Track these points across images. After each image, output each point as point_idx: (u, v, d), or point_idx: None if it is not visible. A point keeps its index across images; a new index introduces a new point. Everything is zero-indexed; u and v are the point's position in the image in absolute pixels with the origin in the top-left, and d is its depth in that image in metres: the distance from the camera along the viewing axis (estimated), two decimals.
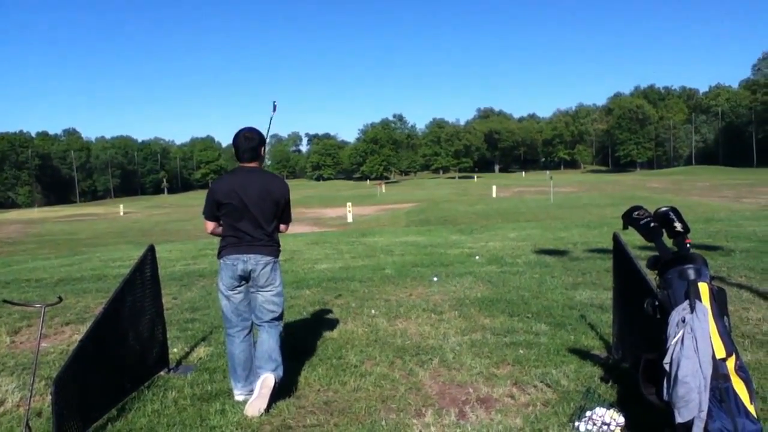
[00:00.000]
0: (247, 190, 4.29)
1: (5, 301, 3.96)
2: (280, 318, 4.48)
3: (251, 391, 4.27)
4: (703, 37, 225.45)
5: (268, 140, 4.63)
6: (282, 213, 4.44)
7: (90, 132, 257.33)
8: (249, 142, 4.37)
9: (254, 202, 4.28)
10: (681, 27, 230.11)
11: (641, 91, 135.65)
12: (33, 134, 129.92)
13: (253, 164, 4.41)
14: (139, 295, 4.70)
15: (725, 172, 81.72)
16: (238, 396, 4.37)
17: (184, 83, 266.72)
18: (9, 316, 7.43)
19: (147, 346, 4.80)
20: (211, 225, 4.45)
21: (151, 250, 4.94)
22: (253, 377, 4.35)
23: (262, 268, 4.32)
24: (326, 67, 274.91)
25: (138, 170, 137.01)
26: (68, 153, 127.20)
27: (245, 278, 4.35)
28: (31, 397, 3.58)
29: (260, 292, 4.38)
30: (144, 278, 4.81)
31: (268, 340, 4.36)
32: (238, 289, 4.39)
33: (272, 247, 4.38)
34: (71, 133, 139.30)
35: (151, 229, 35.55)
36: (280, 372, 4.31)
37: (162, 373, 4.99)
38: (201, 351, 5.69)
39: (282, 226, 4.50)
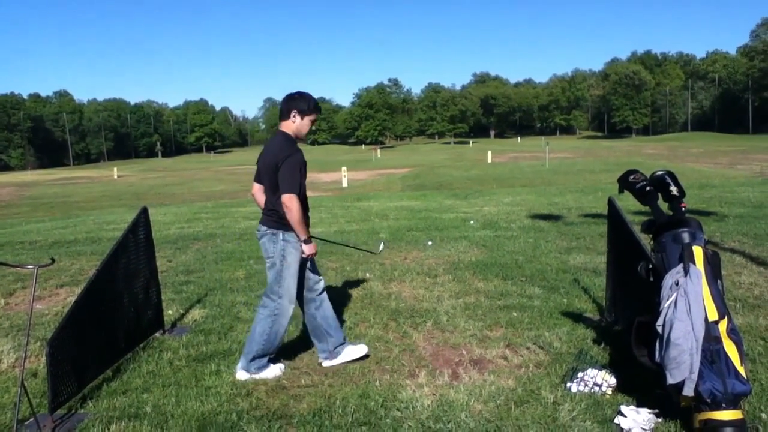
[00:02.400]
0: (261, 155, 4.17)
1: None
2: (271, 300, 4.15)
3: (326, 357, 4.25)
4: (701, 2, 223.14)
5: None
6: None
7: (82, 94, 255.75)
8: (282, 102, 4.18)
9: (262, 168, 4.14)
10: None
11: (638, 57, 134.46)
12: (25, 96, 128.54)
13: (280, 126, 4.16)
14: (132, 257, 4.68)
15: (720, 139, 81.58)
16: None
17: (177, 45, 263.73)
18: (3, 278, 7.43)
19: (142, 307, 4.81)
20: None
21: (145, 212, 4.91)
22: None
23: (260, 239, 4.21)
24: (321, 29, 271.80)
25: (131, 133, 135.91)
26: (60, 115, 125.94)
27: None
28: (25, 358, 3.59)
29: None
30: (137, 240, 4.79)
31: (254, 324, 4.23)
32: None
33: (271, 218, 4.09)
34: (63, 95, 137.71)
35: (146, 193, 35.41)
36: (246, 368, 4.07)
37: (157, 334, 5.01)
38: (196, 313, 5.71)
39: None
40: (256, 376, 4.05)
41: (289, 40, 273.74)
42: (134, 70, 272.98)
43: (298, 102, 4.10)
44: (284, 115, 4.12)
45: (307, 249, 4.09)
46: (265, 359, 4.14)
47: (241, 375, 4.07)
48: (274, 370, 4.14)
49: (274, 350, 4.18)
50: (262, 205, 4.22)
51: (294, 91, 4.16)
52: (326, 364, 4.26)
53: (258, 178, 4.24)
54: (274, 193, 4.03)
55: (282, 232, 4.05)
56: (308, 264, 4.22)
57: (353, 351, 4.30)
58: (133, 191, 37.95)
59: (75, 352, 3.74)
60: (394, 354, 4.42)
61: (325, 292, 4.35)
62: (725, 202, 12.30)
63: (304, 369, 4.22)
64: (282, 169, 3.94)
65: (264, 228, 4.13)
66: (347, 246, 5.70)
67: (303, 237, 4.04)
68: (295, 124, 4.11)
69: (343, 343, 4.30)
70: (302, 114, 4.10)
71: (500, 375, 3.95)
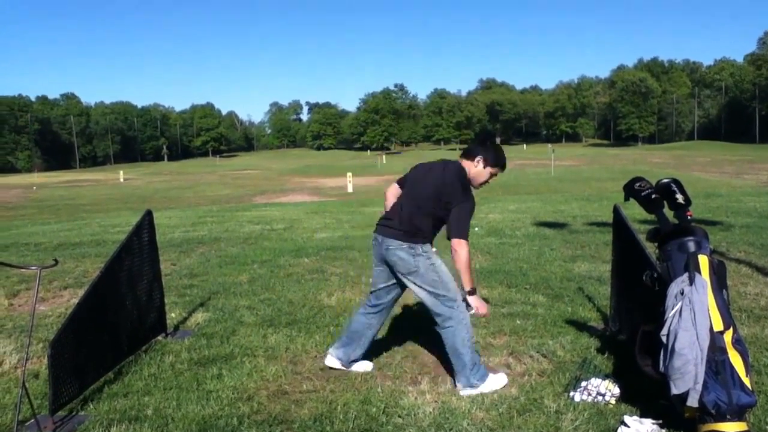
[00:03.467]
0: (426, 172, 4.08)
1: (1, 263, 3.94)
2: (448, 309, 3.90)
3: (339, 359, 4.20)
4: (708, 10, 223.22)
5: None
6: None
7: (89, 97, 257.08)
8: (477, 141, 4.17)
9: (422, 182, 4.01)
10: None
11: (644, 64, 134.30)
12: (32, 98, 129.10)
13: (461, 160, 4.02)
14: (136, 259, 4.68)
15: (727, 148, 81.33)
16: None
17: (184, 49, 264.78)
18: (7, 279, 7.44)
19: (144, 310, 4.80)
20: None
21: (149, 215, 4.91)
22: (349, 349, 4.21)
23: (389, 252, 3.98)
24: (328, 34, 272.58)
25: (138, 136, 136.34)
26: (68, 118, 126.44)
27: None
28: (27, 359, 3.58)
29: None
30: (141, 243, 4.79)
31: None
32: None
33: (408, 233, 3.91)
34: (70, 98, 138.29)
35: (152, 196, 35.51)
36: (471, 384, 3.84)
37: (159, 337, 5.00)
38: (199, 316, 5.70)
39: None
40: (484, 388, 3.79)
41: (296, 45, 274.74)
42: (141, 74, 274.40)
43: (489, 152, 3.96)
44: (470, 155, 3.96)
45: (475, 301, 3.87)
46: (482, 366, 3.91)
47: (470, 392, 3.78)
48: (499, 378, 3.90)
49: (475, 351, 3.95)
50: (389, 207, 4.08)
51: (490, 135, 4.06)
52: (333, 365, 4.24)
53: (403, 183, 4.12)
54: (425, 214, 3.86)
55: (420, 245, 3.87)
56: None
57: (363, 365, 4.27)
58: (139, 194, 38.06)
59: (77, 354, 3.74)
60: (397, 360, 4.40)
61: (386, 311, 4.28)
62: (731, 212, 12.25)
63: (306, 374, 4.20)
64: (459, 209, 3.80)
65: (397, 242, 3.87)
66: None
67: (469, 287, 3.84)
68: (476, 170, 3.95)
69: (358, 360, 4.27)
70: (486, 164, 3.95)
71: None
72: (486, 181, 4.02)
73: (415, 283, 3.89)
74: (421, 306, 5.73)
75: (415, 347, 4.67)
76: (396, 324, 5.24)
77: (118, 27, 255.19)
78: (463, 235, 3.76)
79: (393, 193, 4.18)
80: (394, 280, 4.05)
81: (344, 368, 4.22)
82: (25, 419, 3.46)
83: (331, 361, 4.21)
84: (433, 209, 3.86)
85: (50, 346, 3.46)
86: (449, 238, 3.78)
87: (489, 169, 3.96)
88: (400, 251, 3.85)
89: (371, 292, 4.27)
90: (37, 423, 3.38)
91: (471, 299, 3.85)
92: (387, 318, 4.36)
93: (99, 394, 3.89)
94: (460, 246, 3.74)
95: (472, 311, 3.89)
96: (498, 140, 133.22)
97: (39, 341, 4.92)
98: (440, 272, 3.87)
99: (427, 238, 3.92)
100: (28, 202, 35.47)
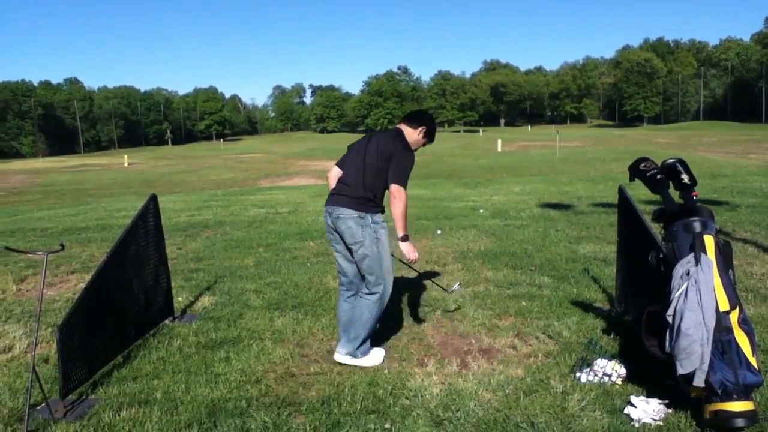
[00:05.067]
0: (367, 143, 4.26)
1: (7, 248, 3.96)
2: (376, 284, 4.08)
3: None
4: None
5: None
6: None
7: (92, 81, 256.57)
8: (420, 113, 4.44)
9: (365, 153, 4.17)
10: None
11: (650, 44, 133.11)
12: (35, 83, 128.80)
13: (401, 126, 4.28)
14: (142, 244, 4.70)
15: (733, 128, 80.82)
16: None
17: (186, 32, 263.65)
18: (15, 265, 7.48)
19: (151, 294, 4.82)
20: None
21: (154, 199, 4.92)
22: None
23: (340, 221, 4.11)
24: (331, 16, 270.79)
25: (141, 121, 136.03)
26: (71, 103, 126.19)
27: None
28: (36, 344, 3.61)
29: None
30: (147, 227, 4.80)
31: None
32: None
33: (358, 201, 4.06)
34: (73, 83, 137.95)
35: (156, 180, 35.53)
36: (354, 353, 4.05)
37: (167, 321, 5.03)
38: (206, 300, 5.73)
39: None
40: (364, 361, 4.02)
41: (299, 27, 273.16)
42: (144, 58, 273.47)
43: (432, 125, 4.31)
44: (413, 123, 4.25)
45: (405, 247, 4.05)
46: (369, 343, 4.11)
47: (345, 359, 4.04)
48: (378, 355, 4.11)
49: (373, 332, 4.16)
50: (333, 187, 4.21)
51: (431, 112, 4.29)
52: (345, 361, 4.17)
53: (342, 163, 4.26)
54: (375, 179, 4.01)
55: (369, 215, 4.01)
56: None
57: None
58: (144, 179, 38.09)
59: (85, 338, 3.77)
60: (403, 342, 4.42)
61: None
62: (737, 192, 12.21)
63: (313, 357, 4.23)
64: (397, 159, 4.00)
65: (347, 210, 3.99)
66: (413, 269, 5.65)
67: (402, 233, 4.01)
68: (416, 137, 4.24)
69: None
70: (424, 135, 4.28)
71: (509, 364, 3.94)
72: (418, 147, 4.31)
73: (357, 252, 4.04)
74: (425, 289, 5.76)
75: (420, 330, 4.69)
76: (401, 307, 5.25)
77: (121, 11, 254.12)
78: (403, 182, 3.98)
79: (335, 175, 4.30)
80: None
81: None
82: (36, 403, 3.50)
83: (343, 358, 4.11)
84: (381, 166, 4.02)
85: (59, 331, 3.48)
86: (388, 184, 3.98)
87: (424, 140, 4.31)
88: (350, 220, 3.99)
89: (341, 275, 4.33)
90: (48, 406, 3.42)
91: (403, 245, 4.05)
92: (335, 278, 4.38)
93: (108, 377, 3.92)
94: (399, 192, 3.95)
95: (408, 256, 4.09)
96: (502, 122, 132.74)
97: (47, 326, 4.96)
98: (381, 248, 4.03)
99: (379, 205, 4.08)
100: (33, 187, 35.55)
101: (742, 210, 9.71)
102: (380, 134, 4.28)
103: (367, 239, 3.98)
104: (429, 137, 4.32)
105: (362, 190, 4.01)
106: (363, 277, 4.11)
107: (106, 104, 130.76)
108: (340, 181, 4.19)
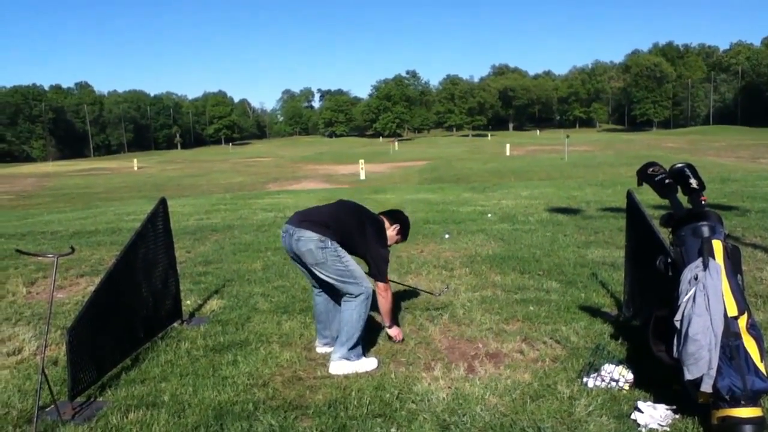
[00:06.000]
0: (347, 207, 4.47)
1: (18, 251, 4.00)
2: (356, 289, 4.16)
3: (327, 344, 4.41)
4: None
5: None
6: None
7: (102, 86, 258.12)
8: (400, 215, 4.65)
9: (346, 210, 4.40)
10: None
11: (659, 49, 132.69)
12: (46, 87, 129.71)
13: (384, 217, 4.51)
14: (151, 247, 4.72)
15: (743, 132, 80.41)
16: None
17: (196, 37, 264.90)
18: (25, 268, 7.53)
19: (160, 297, 4.85)
20: None
21: (163, 203, 4.95)
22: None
23: (301, 242, 4.17)
24: (340, 21, 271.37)
25: (151, 125, 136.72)
26: (81, 107, 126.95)
27: None
28: (46, 346, 3.64)
29: None
30: (156, 231, 4.82)
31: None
32: None
33: (322, 227, 4.15)
34: (83, 87, 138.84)
35: (165, 184, 35.70)
36: (347, 356, 4.09)
37: (175, 324, 5.06)
38: (214, 303, 5.75)
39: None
40: (356, 366, 4.03)
41: (308, 32, 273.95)
42: (154, 63, 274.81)
43: (406, 227, 4.61)
44: (390, 219, 4.52)
45: (393, 332, 4.47)
46: (361, 347, 4.16)
47: (341, 365, 4.03)
48: (372, 362, 4.11)
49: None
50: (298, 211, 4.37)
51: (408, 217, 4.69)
52: (325, 350, 4.36)
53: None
54: (351, 229, 4.19)
55: (329, 239, 4.05)
56: None
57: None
58: (153, 182, 38.28)
59: (94, 340, 3.79)
60: (410, 347, 4.42)
61: None
62: (747, 197, 12.14)
63: (320, 360, 4.23)
64: (378, 253, 4.22)
65: (309, 233, 4.04)
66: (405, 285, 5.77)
67: (389, 324, 4.45)
68: (390, 233, 4.48)
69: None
70: (398, 233, 4.54)
71: (516, 369, 3.94)
72: (391, 244, 4.51)
73: (322, 273, 4.11)
74: (432, 295, 5.76)
75: (427, 334, 4.69)
76: (407, 311, 5.25)
77: (131, 16, 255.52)
78: (386, 279, 4.23)
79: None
80: None
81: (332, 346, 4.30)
82: (45, 405, 3.52)
83: (337, 364, 4.07)
84: (361, 229, 4.23)
85: (68, 333, 3.51)
86: (374, 278, 4.21)
87: (398, 237, 4.56)
88: (310, 243, 4.03)
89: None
90: (56, 408, 3.44)
91: (390, 331, 4.47)
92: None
93: (117, 380, 3.94)
94: (386, 291, 4.24)
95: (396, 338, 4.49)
96: (510, 126, 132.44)
97: (57, 328, 4.99)
98: (345, 262, 4.10)
99: (337, 238, 4.12)
100: (43, 190, 35.77)
101: (752, 215, 9.66)
102: (368, 212, 4.46)
103: (328, 260, 4.05)
104: (403, 236, 4.59)
105: (334, 224, 4.14)
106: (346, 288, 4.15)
107: (116, 108, 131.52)
108: (308, 209, 4.39)
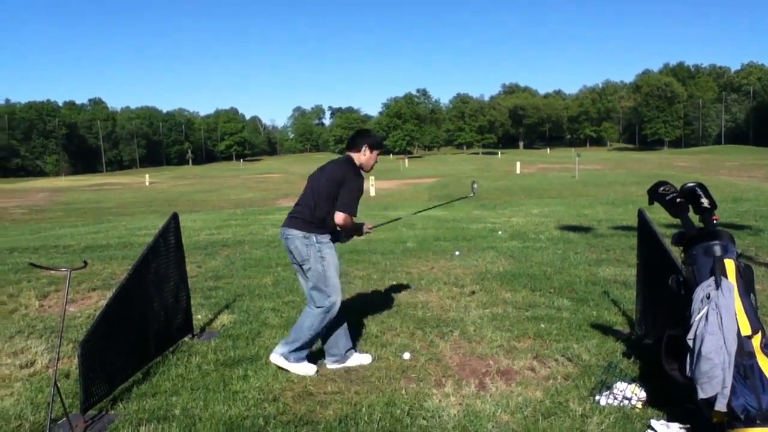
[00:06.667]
0: (320, 170, 4.55)
1: (31, 264, 4.03)
2: (322, 298, 4.31)
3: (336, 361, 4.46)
4: (735, 13, 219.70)
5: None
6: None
7: (115, 102, 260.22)
8: (356, 135, 4.56)
9: (317, 180, 4.45)
10: (712, 2, 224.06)
11: (670, 69, 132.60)
12: (60, 103, 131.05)
13: (349, 153, 4.49)
14: (163, 261, 4.75)
15: (755, 152, 79.94)
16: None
17: (208, 54, 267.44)
18: (38, 281, 7.58)
19: (171, 312, 4.87)
20: None
21: (175, 218, 4.98)
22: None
23: (288, 242, 4.45)
24: (350, 39, 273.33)
25: (163, 141, 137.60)
26: (94, 122, 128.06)
27: None
28: (58, 359, 3.66)
29: None
30: (168, 245, 4.86)
31: None
32: None
33: (305, 222, 4.36)
34: (97, 103, 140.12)
35: (176, 199, 35.87)
36: (287, 356, 4.29)
37: (186, 338, 5.07)
38: (224, 318, 5.76)
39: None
40: (291, 366, 4.24)
41: (318, 50, 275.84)
42: (166, 79, 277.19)
43: (370, 139, 4.50)
44: (356, 147, 4.45)
45: (367, 227, 4.62)
46: (305, 353, 4.33)
47: (278, 360, 4.26)
48: (309, 368, 4.29)
49: (313, 345, 4.38)
50: None
51: (366, 128, 4.45)
52: (336, 367, 4.40)
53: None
54: (326, 204, 4.27)
55: (315, 235, 4.28)
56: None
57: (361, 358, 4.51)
58: (164, 198, 38.47)
59: (106, 354, 3.81)
60: (421, 363, 4.41)
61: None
62: (760, 216, 12.07)
63: (330, 375, 4.23)
64: (348, 185, 4.25)
65: (295, 231, 4.30)
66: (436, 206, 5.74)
67: (363, 230, 4.55)
68: (365, 157, 4.46)
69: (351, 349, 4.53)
70: (372, 149, 4.47)
71: (528, 386, 3.92)
72: (374, 163, 4.56)
73: (305, 271, 4.34)
74: (442, 309, 5.76)
75: (438, 350, 4.68)
76: (419, 327, 5.25)
77: (145, 34, 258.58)
78: (350, 209, 4.26)
79: None
80: None
81: (342, 363, 4.43)
82: (57, 418, 3.53)
83: (275, 357, 4.32)
84: (332, 192, 4.27)
85: (80, 347, 3.53)
86: (337, 209, 4.25)
87: (375, 153, 4.50)
88: (297, 240, 4.29)
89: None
90: (68, 421, 3.45)
91: (355, 226, 4.46)
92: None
93: (128, 393, 3.95)
94: (340, 218, 4.24)
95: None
96: (521, 144, 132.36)
97: (69, 342, 5.02)
98: (326, 266, 4.27)
99: (323, 228, 4.30)
100: (55, 205, 36.02)
101: (765, 234, 9.60)
102: (333, 162, 4.53)
103: (312, 257, 4.26)
104: (375, 147, 4.49)
105: (310, 215, 4.29)
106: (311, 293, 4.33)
107: (128, 124, 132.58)
108: (295, 204, 4.49)
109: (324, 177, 4.37)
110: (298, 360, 4.29)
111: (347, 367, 4.37)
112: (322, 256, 4.27)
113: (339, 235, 4.46)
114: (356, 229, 4.49)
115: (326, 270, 4.27)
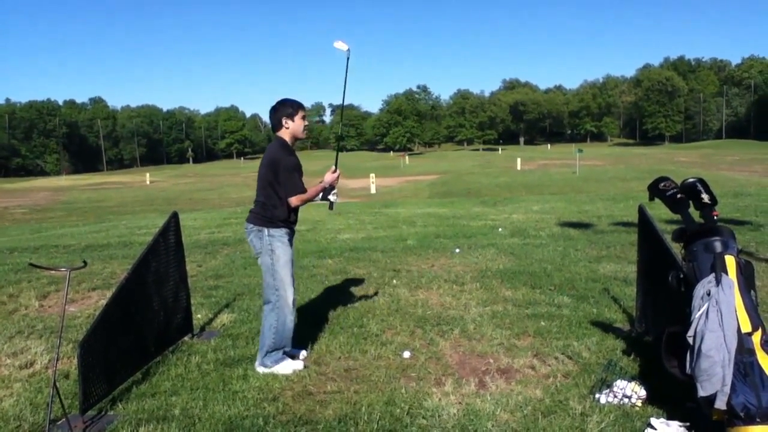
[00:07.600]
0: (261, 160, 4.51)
1: (31, 265, 4.03)
2: (271, 294, 4.38)
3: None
4: (736, 6, 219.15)
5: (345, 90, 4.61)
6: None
7: (116, 101, 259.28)
8: (270, 116, 4.48)
9: (260, 170, 4.43)
10: None
11: (671, 63, 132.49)
12: (60, 102, 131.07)
13: (277, 134, 4.44)
14: (163, 261, 4.74)
15: (756, 147, 79.89)
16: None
17: (208, 52, 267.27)
18: (38, 281, 7.58)
19: (171, 311, 4.86)
20: None
21: (175, 217, 4.97)
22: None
23: (248, 236, 4.47)
24: (349, 36, 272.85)
25: (163, 139, 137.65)
26: (95, 121, 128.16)
27: None
28: (57, 359, 3.65)
29: None
30: (168, 244, 4.85)
31: None
32: None
33: (257, 215, 4.39)
34: (97, 102, 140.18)
35: (177, 198, 35.91)
36: (262, 362, 4.33)
37: (186, 338, 5.06)
38: (224, 317, 5.76)
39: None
40: (274, 370, 4.27)
41: (318, 47, 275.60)
42: (166, 77, 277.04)
43: (283, 109, 4.39)
44: (277, 126, 4.41)
45: (329, 176, 4.50)
46: (280, 353, 4.37)
47: (260, 369, 4.31)
48: (291, 365, 4.33)
49: (287, 342, 4.41)
50: None
51: (278, 101, 4.45)
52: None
53: None
54: (266, 191, 4.32)
55: (267, 228, 4.32)
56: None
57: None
58: (165, 196, 38.51)
59: (105, 354, 3.81)
60: (421, 362, 4.40)
61: None
62: (761, 211, 12.05)
63: (330, 375, 4.22)
64: (283, 167, 4.27)
65: (250, 225, 4.38)
66: None
67: (323, 186, 4.48)
68: (290, 129, 4.41)
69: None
70: (291, 117, 4.38)
71: (528, 385, 3.91)
72: (305, 127, 4.48)
73: (260, 263, 4.41)
74: (443, 307, 5.75)
75: (438, 349, 4.67)
76: (419, 325, 5.24)
77: (144, 31, 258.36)
78: (295, 191, 4.28)
79: None
80: None
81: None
82: (56, 418, 3.53)
83: (258, 368, 4.34)
84: (269, 177, 4.30)
85: (80, 347, 3.52)
86: (286, 197, 4.28)
87: (297, 118, 4.40)
88: (252, 234, 4.38)
89: None
90: (68, 422, 3.45)
91: (330, 177, 4.49)
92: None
93: (127, 394, 3.95)
94: (293, 203, 4.29)
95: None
96: (521, 140, 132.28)
97: (69, 342, 5.01)
98: (275, 260, 4.31)
99: (274, 220, 4.32)
100: (56, 204, 36.04)
101: (766, 230, 9.58)
102: (267, 150, 4.49)
103: (263, 250, 4.33)
104: (293, 115, 4.36)
105: (261, 209, 4.36)
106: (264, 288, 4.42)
107: (129, 123, 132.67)
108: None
109: (261, 165, 4.40)
110: (277, 361, 4.32)
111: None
112: (272, 249, 4.31)
113: (327, 203, 4.54)
114: (318, 191, 4.45)
115: (275, 264, 4.31)
